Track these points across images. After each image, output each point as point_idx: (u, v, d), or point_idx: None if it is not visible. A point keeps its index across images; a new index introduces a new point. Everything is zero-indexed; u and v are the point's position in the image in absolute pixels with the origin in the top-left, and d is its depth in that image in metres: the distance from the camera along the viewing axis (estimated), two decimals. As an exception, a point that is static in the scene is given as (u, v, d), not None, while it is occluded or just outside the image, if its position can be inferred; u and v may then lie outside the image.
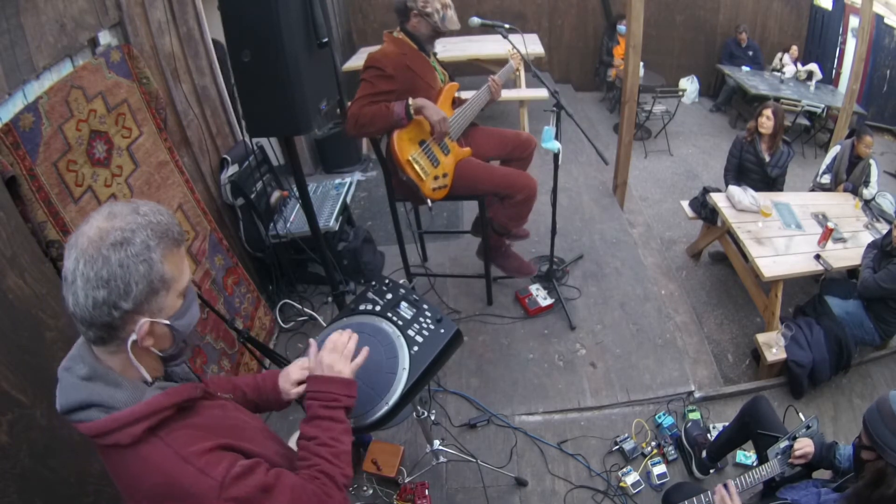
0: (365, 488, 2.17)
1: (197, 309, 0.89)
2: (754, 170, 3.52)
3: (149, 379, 0.83)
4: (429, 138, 2.32)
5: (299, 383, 1.14)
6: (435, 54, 2.45)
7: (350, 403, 1.01)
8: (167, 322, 0.81)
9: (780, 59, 6.25)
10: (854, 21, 5.68)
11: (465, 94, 2.56)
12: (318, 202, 3.16)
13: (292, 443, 1.41)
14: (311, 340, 1.11)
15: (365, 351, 1.08)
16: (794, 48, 6.21)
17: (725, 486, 1.59)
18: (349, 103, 2.25)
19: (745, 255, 3.05)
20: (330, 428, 0.96)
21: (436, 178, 2.36)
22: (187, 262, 0.86)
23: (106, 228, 0.75)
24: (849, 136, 3.61)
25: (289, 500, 0.84)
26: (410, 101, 2.18)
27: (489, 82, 2.47)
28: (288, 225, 2.96)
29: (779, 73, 6.16)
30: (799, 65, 6.13)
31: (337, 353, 1.04)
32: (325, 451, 0.93)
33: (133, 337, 0.78)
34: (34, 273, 1.47)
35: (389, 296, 1.34)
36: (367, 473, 2.16)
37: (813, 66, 5.99)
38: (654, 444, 2.34)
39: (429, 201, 2.40)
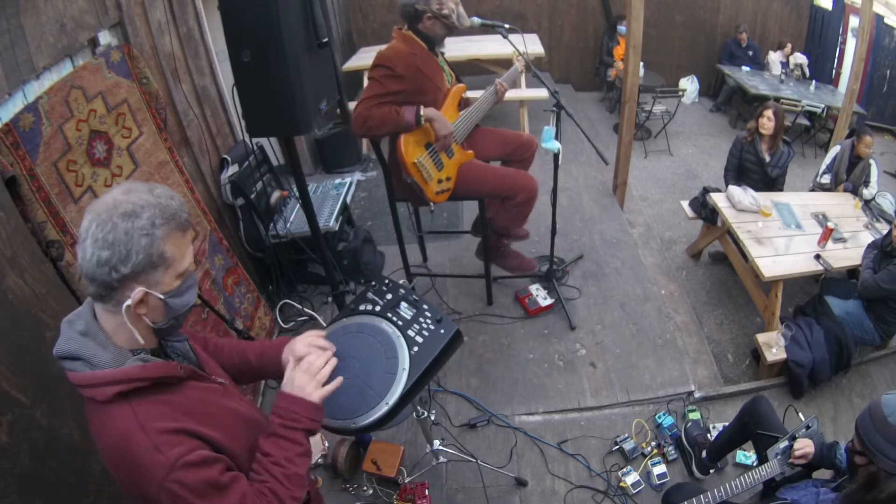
0: (365, 488, 2.17)
1: (194, 294, 0.94)
2: (754, 170, 3.52)
3: (140, 341, 0.89)
4: (434, 143, 2.33)
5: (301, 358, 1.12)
6: (442, 54, 2.44)
7: (313, 427, 0.99)
8: (161, 296, 0.87)
9: (767, 58, 6.26)
10: (854, 21, 5.69)
11: (469, 94, 2.56)
12: (318, 202, 3.16)
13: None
14: (290, 358, 1.07)
15: (338, 381, 1.05)
16: (789, 46, 6.21)
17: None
18: (354, 103, 2.23)
19: (745, 255, 3.05)
20: (287, 448, 0.95)
21: (439, 181, 2.36)
22: (191, 250, 0.92)
23: (121, 200, 0.83)
24: (849, 136, 3.61)
25: None
26: (422, 111, 2.17)
27: (496, 86, 2.45)
28: (288, 225, 2.96)
29: (774, 73, 6.17)
30: (791, 57, 6.12)
31: (309, 375, 1.02)
32: (277, 471, 0.93)
33: (128, 302, 0.84)
34: (34, 273, 1.47)
35: (389, 296, 1.34)
36: (367, 473, 2.16)
37: (801, 58, 6.00)
38: (654, 444, 2.34)
39: (431, 204, 2.40)
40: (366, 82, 2.24)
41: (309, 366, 1.04)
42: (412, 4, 2.20)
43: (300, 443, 0.97)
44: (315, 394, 1.01)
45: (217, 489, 0.83)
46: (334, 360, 1.08)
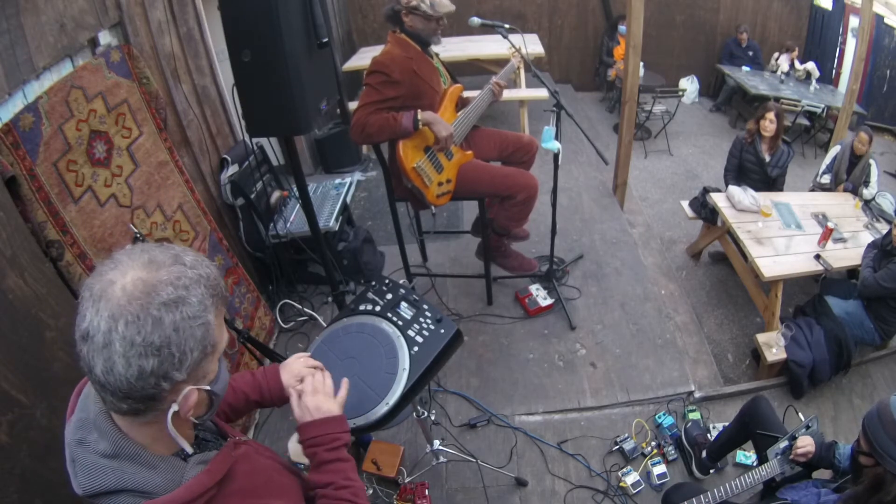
0: (365, 488, 2.17)
1: (226, 369, 0.80)
2: (754, 170, 3.52)
3: (189, 451, 0.73)
4: (433, 145, 2.32)
5: (302, 379, 1.09)
6: (437, 55, 2.44)
7: (348, 439, 0.97)
8: (209, 388, 0.71)
9: (776, 60, 6.25)
10: (854, 21, 5.68)
11: (466, 94, 2.56)
12: (318, 202, 3.16)
13: (293, 441, 1.39)
14: (292, 396, 1.02)
15: (346, 383, 1.03)
16: (797, 50, 6.20)
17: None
18: (353, 110, 2.23)
19: (745, 255, 3.05)
20: (341, 469, 0.92)
21: (440, 184, 2.36)
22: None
23: (151, 282, 0.63)
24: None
25: None
26: (420, 115, 2.16)
27: (492, 86, 2.45)
28: (288, 225, 2.96)
29: (778, 74, 6.17)
30: (797, 63, 6.12)
31: (319, 393, 0.99)
32: (347, 494, 0.90)
33: (175, 408, 0.67)
34: (34, 273, 1.47)
35: (389, 296, 1.34)
36: (367, 473, 2.16)
37: (810, 65, 5.99)
38: (654, 444, 2.34)
39: (432, 207, 2.40)
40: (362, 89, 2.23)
41: (313, 387, 0.99)
42: (391, 7, 2.21)
43: (347, 458, 0.95)
44: (333, 407, 0.97)
45: None
46: (328, 373, 1.04)
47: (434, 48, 2.38)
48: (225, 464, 0.75)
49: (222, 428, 0.94)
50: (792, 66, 6.13)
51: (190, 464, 0.72)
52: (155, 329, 0.61)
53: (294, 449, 1.13)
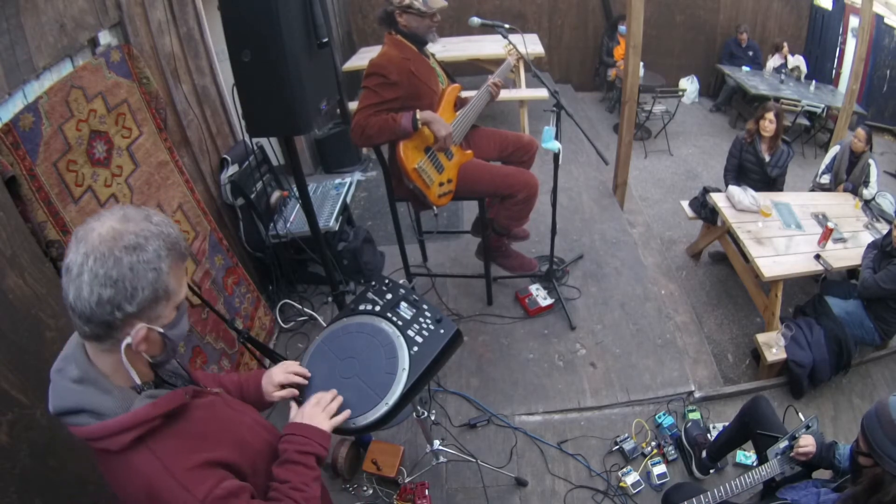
0: (365, 488, 2.17)
1: (187, 320, 0.90)
2: (754, 170, 3.52)
3: (138, 382, 0.84)
4: (433, 145, 2.32)
5: (282, 387, 1.16)
6: (433, 55, 2.44)
7: (322, 453, 1.02)
8: (161, 330, 0.82)
9: (770, 61, 6.28)
10: (854, 21, 5.68)
11: (465, 94, 2.56)
12: (318, 202, 3.16)
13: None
14: (293, 403, 1.14)
15: (346, 413, 1.10)
16: (786, 46, 6.20)
17: None
18: (354, 104, 2.23)
19: (745, 255, 3.05)
20: (301, 473, 0.97)
21: (441, 184, 2.36)
22: (185, 277, 0.88)
23: (120, 230, 0.77)
24: None
25: None
26: (418, 114, 2.16)
27: (489, 85, 2.44)
28: (288, 225, 2.96)
29: (769, 71, 6.18)
30: (790, 57, 6.13)
31: (319, 407, 1.08)
32: (298, 496, 0.94)
33: (128, 340, 0.79)
34: (34, 273, 1.47)
35: (389, 296, 1.34)
36: (367, 473, 2.16)
37: (798, 60, 6.00)
38: (654, 444, 2.34)
39: (434, 208, 2.40)
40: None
41: (318, 400, 1.09)
42: (383, 10, 2.20)
43: (313, 467, 1.00)
44: (325, 423, 1.05)
45: None
46: (340, 398, 1.11)
47: (431, 48, 2.37)
48: (172, 402, 0.83)
49: (196, 379, 1.03)
50: (785, 62, 6.13)
51: (142, 396, 0.83)
52: (115, 266, 0.75)
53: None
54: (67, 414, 0.79)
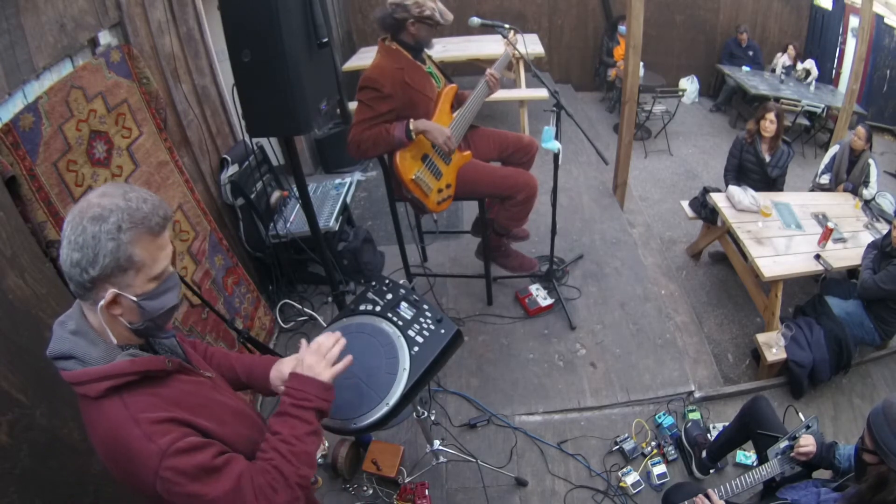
0: (365, 488, 2.17)
1: (174, 296, 0.94)
2: (754, 170, 3.52)
3: (113, 341, 0.90)
4: (431, 152, 2.30)
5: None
6: (429, 56, 2.41)
7: (323, 406, 1.01)
8: (134, 298, 0.88)
9: (778, 60, 6.26)
10: (854, 21, 5.68)
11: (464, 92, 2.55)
12: (318, 202, 3.16)
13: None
14: (303, 340, 1.11)
15: (347, 359, 1.07)
16: (791, 48, 6.20)
17: (707, 494, 1.57)
18: (354, 104, 2.21)
19: (745, 255, 3.04)
20: (295, 426, 0.97)
21: (439, 190, 2.35)
22: (166, 252, 0.91)
23: (93, 203, 0.85)
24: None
25: (230, 488, 0.86)
26: (411, 124, 2.14)
27: (487, 77, 2.41)
28: (288, 225, 2.96)
29: (777, 71, 6.18)
30: (798, 62, 6.13)
31: (319, 355, 1.05)
32: (284, 448, 0.94)
33: (101, 302, 0.86)
34: (34, 273, 1.47)
35: (389, 296, 1.34)
36: (367, 473, 2.16)
37: (809, 63, 6.00)
38: (654, 444, 2.34)
39: (433, 214, 2.39)
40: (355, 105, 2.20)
41: (318, 346, 1.06)
42: (390, 15, 2.14)
43: (309, 421, 0.98)
44: (325, 373, 1.03)
45: (210, 472, 0.85)
46: (343, 341, 1.09)
47: (428, 50, 2.36)
48: (151, 364, 0.89)
49: (192, 360, 1.06)
50: (793, 64, 6.13)
51: (123, 353, 0.90)
52: (81, 233, 0.83)
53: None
54: (60, 358, 0.87)
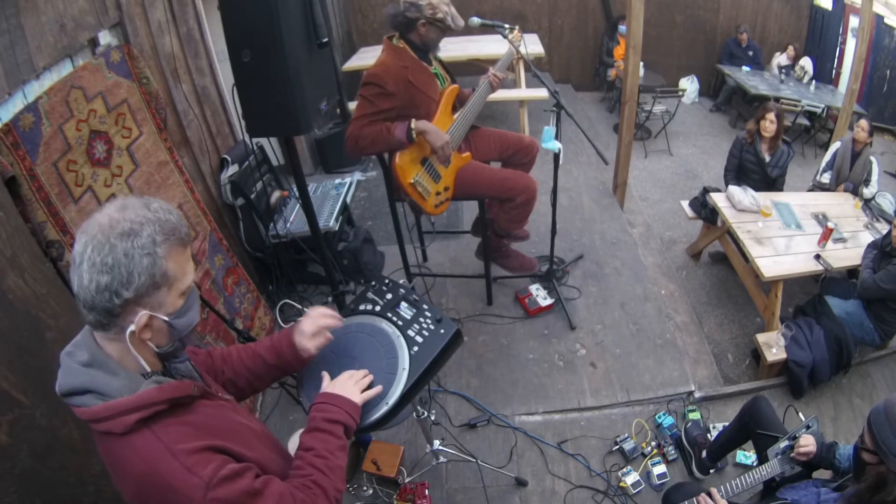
0: (365, 488, 2.17)
1: (197, 312, 0.90)
2: (754, 170, 3.52)
3: (147, 369, 0.84)
4: (430, 156, 2.29)
5: (315, 336, 1.13)
6: (437, 57, 2.40)
7: (351, 423, 1.03)
8: (166, 318, 0.83)
9: (776, 59, 6.27)
10: (854, 21, 5.68)
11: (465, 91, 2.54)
12: (318, 202, 3.16)
13: (294, 441, 1.40)
14: (325, 373, 1.14)
15: (378, 388, 1.11)
16: (791, 48, 6.21)
17: (709, 493, 1.57)
18: (354, 104, 2.21)
19: (745, 255, 3.05)
20: (328, 441, 0.97)
21: (437, 193, 2.34)
22: (192, 265, 0.87)
23: (117, 218, 0.78)
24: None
25: None
26: (413, 124, 2.12)
27: (489, 77, 2.40)
28: (288, 225, 2.96)
29: (774, 70, 6.18)
30: (797, 62, 6.14)
31: (352, 380, 1.09)
32: (320, 463, 0.94)
33: (132, 327, 0.80)
34: (34, 273, 1.47)
35: (389, 296, 1.34)
36: (367, 473, 2.16)
37: (805, 61, 6.00)
38: (654, 444, 2.34)
39: (431, 217, 2.39)
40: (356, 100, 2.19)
41: (350, 375, 1.10)
42: (402, 13, 2.13)
43: (339, 436, 1.00)
44: (356, 395, 1.06)
45: (254, 495, 0.83)
46: (371, 376, 1.12)
47: (434, 53, 2.34)
48: (179, 389, 0.84)
49: (209, 384, 1.01)
50: (793, 63, 6.13)
51: (148, 380, 0.83)
52: (110, 252, 0.76)
53: (293, 447, 1.15)
54: (73, 394, 0.80)
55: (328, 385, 1.08)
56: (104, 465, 0.86)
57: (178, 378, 0.93)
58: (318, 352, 1.14)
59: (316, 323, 1.14)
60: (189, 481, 0.77)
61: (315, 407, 1.03)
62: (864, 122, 3.39)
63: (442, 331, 1.25)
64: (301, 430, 1.11)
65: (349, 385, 1.07)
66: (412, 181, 2.22)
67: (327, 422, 0.99)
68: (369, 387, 1.11)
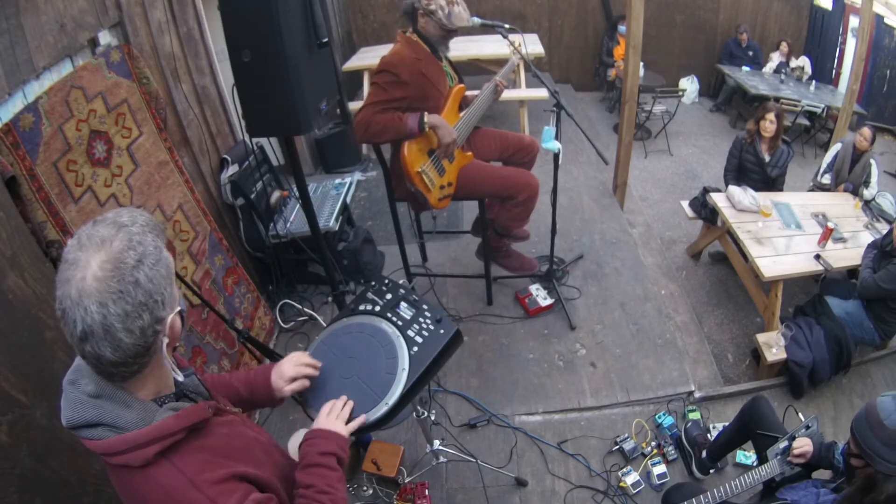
0: (365, 488, 2.17)
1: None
2: (754, 170, 3.52)
3: (181, 378, 0.83)
4: (438, 150, 2.31)
5: (293, 380, 1.14)
6: (446, 56, 2.42)
7: (341, 454, 1.03)
8: (181, 308, 0.80)
9: (770, 64, 6.28)
10: (854, 21, 5.68)
11: (469, 94, 2.54)
12: (318, 202, 3.16)
13: (296, 440, 1.40)
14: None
15: (361, 419, 1.11)
16: (784, 44, 6.21)
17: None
18: (355, 104, 2.22)
19: (745, 255, 3.05)
20: (326, 475, 0.98)
21: (441, 187, 2.35)
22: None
23: (113, 256, 0.70)
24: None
25: None
26: (426, 117, 2.15)
27: (497, 84, 2.44)
28: (288, 225, 2.96)
29: (769, 70, 6.18)
30: (793, 59, 6.13)
31: (333, 415, 1.08)
32: (325, 499, 0.94)
33: (165, 340, 0.76)
34: (34, 273, 1.47)
35: (389, 296, 1.34)
36: (367, 473, 2.16)
37: (803, 60, 6.00)
38: (654, 444, 2.34)
39: (433, 210, 2.40)
40: (367, 87, 2.21)
41: (330, 409, 1.09)
42: (410, 4, 2.19)
43: (335, 468, 1.00)
44: (341, 428, 1.06)
45: None
46: (351, 403, 1.11)
47: (440, 52, 2.36)
48: (196, 414, 0.80)
49: (216, 398, 0.98)
50: (786, 61, 6.13)
51: (163, 408, 0.79)
52: (136, 290, 0.70)
53: (293, 447, 1.15)
54: (83, 427, 0.75)
55: (314, 424, 1.08)
56: (103, 463, 0.85)
57: (188, 395, 0.90)
58: (290, 395, 1.15)
59: (297, 369, 1.14)
60: None
61: (307, 443, 1.03)
62: (866, 131, 3.39)
63: (442, 331, 1.24)
64: (301, 430, 1.11)
65: (331, 420, 1.06)
66: (419, 170, 2.24)
67: (321, 455, 0.99)
68: (353, 414, 1.11)
